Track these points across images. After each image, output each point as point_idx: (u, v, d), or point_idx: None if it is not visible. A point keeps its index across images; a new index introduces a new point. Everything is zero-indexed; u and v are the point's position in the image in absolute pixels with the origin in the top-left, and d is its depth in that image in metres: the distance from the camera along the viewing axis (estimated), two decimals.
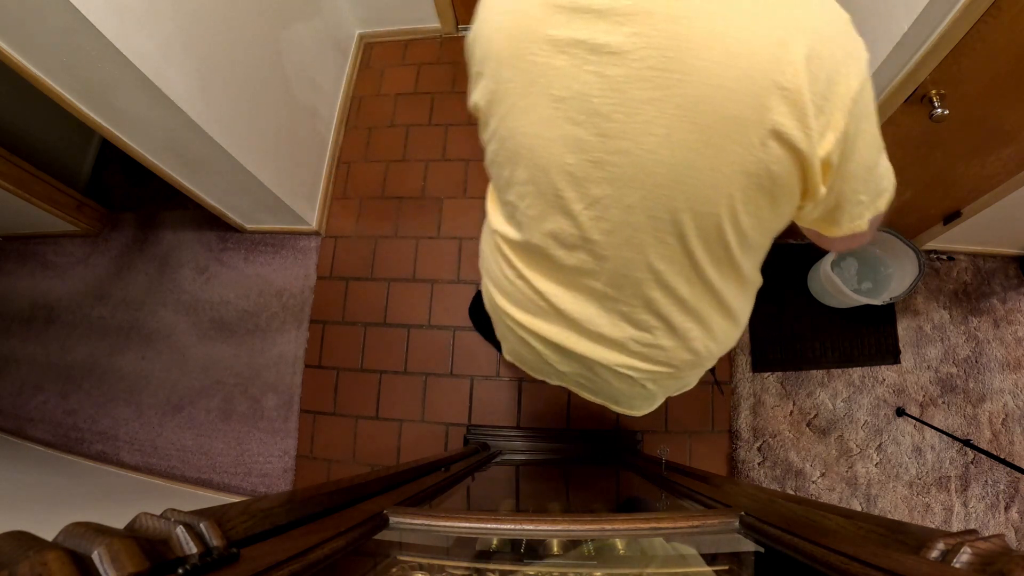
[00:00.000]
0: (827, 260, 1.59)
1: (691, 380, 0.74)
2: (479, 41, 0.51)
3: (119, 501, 1.55)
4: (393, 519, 0.57)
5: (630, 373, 0.64)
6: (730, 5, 0.40)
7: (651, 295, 0.55)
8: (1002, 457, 1.31)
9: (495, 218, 0.62)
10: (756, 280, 0.60)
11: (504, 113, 0.50)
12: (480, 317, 1.11)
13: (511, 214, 0.58)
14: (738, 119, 0.42)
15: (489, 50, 0.49)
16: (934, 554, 0.36)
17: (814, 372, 1.72)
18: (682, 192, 0.46)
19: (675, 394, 0.78)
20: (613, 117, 0.44)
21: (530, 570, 0.55)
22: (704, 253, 0.51)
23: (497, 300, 0.68)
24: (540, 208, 0.53)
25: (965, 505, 1.60)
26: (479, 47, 0.51)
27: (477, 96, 0.54)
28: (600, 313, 0.59)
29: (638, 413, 0.79)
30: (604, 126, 0.45)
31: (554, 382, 0.78)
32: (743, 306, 0.62)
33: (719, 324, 0.60)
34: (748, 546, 0.54)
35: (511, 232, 0.59)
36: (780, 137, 0.42)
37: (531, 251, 0.58)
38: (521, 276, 0.61)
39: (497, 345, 1.22)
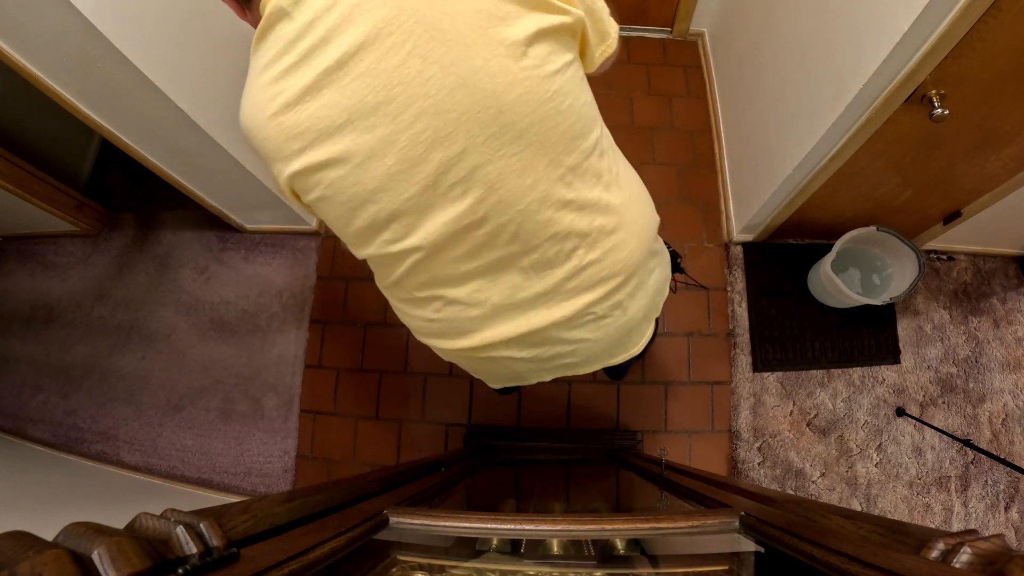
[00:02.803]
0: (827, 260, 1.59)
1: (655, 270, 0.70)
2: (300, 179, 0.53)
3: (119, 501, 1.55)
4: (393, 519, 0.57)
5: (592, 311, 0.62)
6: None
7: (544, 217, 0.54)
8: (1002, 457, 1.31)
9: (383, 280, 0.64)
10: (607, 135, 0.61)
11: (335, 190, 0.53)
12: None
13: (386, 264, 0.60)
14: (477, 12, 0.47)
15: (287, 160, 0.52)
16: (934, 554, 0.36)
17: (814, 372, 1.72)
18: (482, 99, 0.48)
19: (659, 300, 0.73)
20: (389, 95, 0.48)
21: (530, 570, 0.55)
22: (545, 138, 0.51)
23: (446, 345, 0.68)
24: (409, 222, 0.54)
25: (965, 505, 1.60)
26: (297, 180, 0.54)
27: (314, 198, 0.55)
28: (520, 277, 0.58)
29: (638, 348, 0.75)
30: (390, 108, 0.48)
31: (548, 377, 0.76)
32: (615, 165, 0.61)
33: (616, 195, 0.59)
34: (748, 546, 0.54)
35: (396, 275, 0.60)
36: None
37: (431, 267, 0.58)
38: (438, 303, 0.62)
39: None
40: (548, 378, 0.77)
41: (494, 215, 0.53)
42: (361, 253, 0.60)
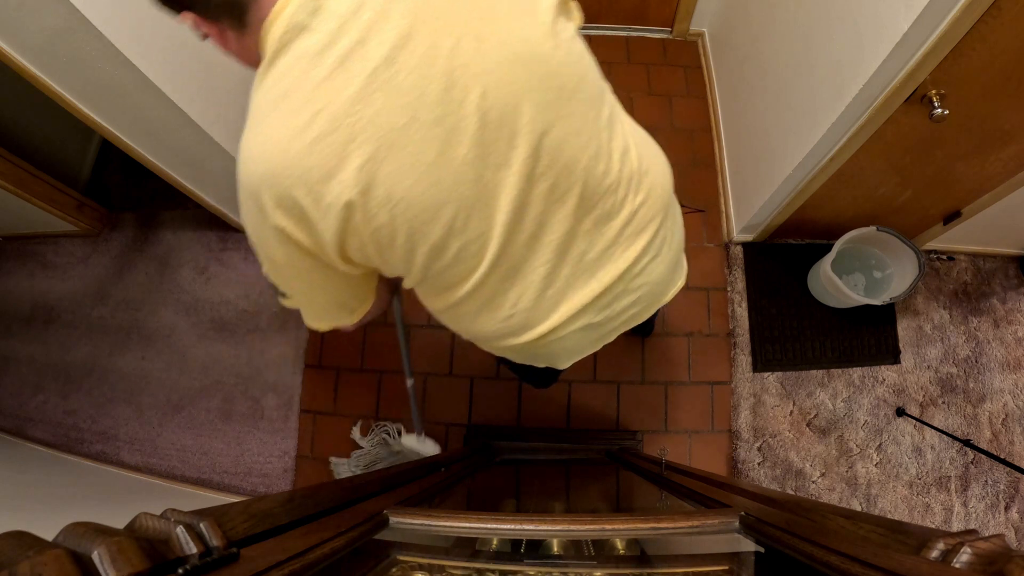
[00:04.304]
0: (827, 260, 1.59)
1: (676, 213, 0.73)
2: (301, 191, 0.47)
3: (119, 501, 1.55)
4: (393, 519, 0.57)
5: (648, 252, 0.63)
6: None
7: (601, 170, 0.55)
8: (1002, 457, 1.31)
9: (452, 294, 0.60)
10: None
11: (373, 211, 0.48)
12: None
13: (459, 274, 0.56)
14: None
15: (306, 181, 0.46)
16: (934, 554, 0.36)
17: (814, 372, 1.72)
18: (536, 68, 0.49)
19: (678, 237, 0.74)
20: (451, 79, 0.46)
21: (530, 570, 0.55)
22: (588, 95, 0.53)
23: (522, 339, 0.65)
24: (485, 213, 0.52)
25: (965, 505, 1.60)
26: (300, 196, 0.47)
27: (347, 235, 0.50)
28: (585, 241, 0.58)
29: (682, 280, 0.77)
30: (454, 93, 0.46)
31: (612, 338, 0.76)
32: (621, 112, 0.63)
33: (633, 136, 0.62)
34: (748, 546, 0.54)
35: (470, 283, 0.57)
36: None
37: (507, 257, 0.56)
38: (514, 296, 0.60)
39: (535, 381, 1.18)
40: (611, 339, 0.76)
41: (562, 180, 0.53)
42: (425, 275, 0.56)
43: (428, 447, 1.28)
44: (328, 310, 0.66)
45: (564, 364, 0.79)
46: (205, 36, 0.55)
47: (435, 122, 0.46)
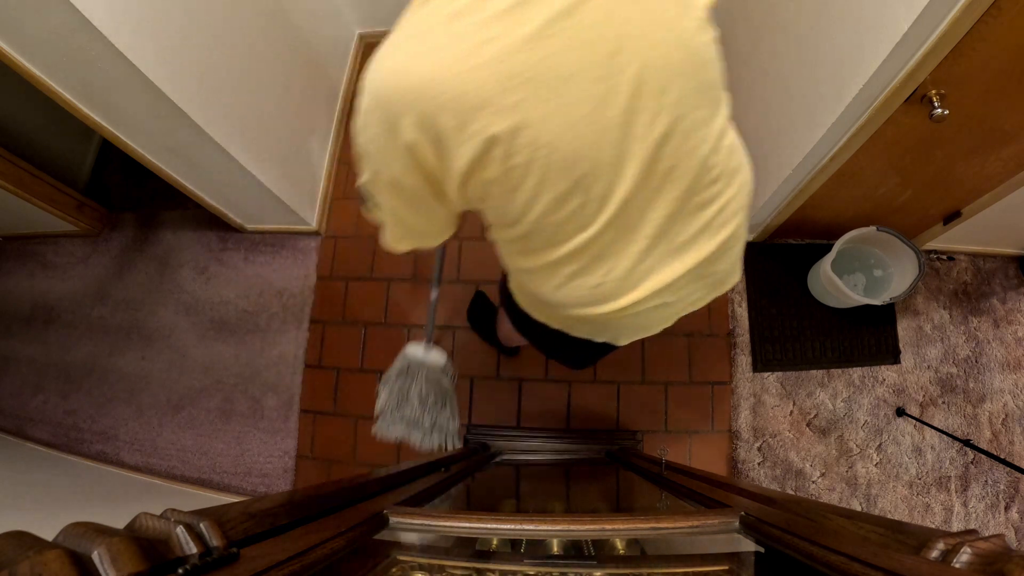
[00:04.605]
0: (827, 260, 1.59)
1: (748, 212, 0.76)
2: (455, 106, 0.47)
3: (119, 501, 1.55)
4: (393, 519, 0.57)
5: (728, 243, 0.65)
6: None
7: (712, 162, 0.58)
8: (1002, 457, 1.31)
9: (549, 254, 0.61)
10: None
11: (530, 144, 0.49)
12: (482, 320, 1.08)
13: (570, 229, 0.57)
14: None
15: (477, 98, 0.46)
16: (934, 554, 0.36)
17: (814, 372, 1.72)
18: (691, 58, 0.52)
19: (745, 236, 0.77)
20: (619, 45, 0.48)
21: (530, 570, 0.55)
22: (721, 94, 0.58)
23: (605, 308, 0.66)
24: (611, 176, 0.53)
25: (965, 505, 1.60)
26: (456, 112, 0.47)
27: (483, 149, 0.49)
28: (682, 223, 0.60)
29: (738, 276, 0.79)
30: (619, 59, 0.48)
31: (672, 321, 0.78)
32: None
33: (736, 135, 0.65)
34: (748, 546, 0.54)
35: (578, 240, 0.58)
36: None
37: (618, 223, 0.57)
38: (608, 266, 0.61)
39: (500, 347, 1.18)
40: (671, 323, 0.79)
41: (681, 163, 0.55)
42: (534, 227, 0.57)
43: (434, 356, 1.28)
44: (414, 234, 0.68)
45: (625, 340, 0.82)
46: None
47: (596, 80, 0.48)
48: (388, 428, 1.31)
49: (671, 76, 0.51)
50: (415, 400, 1.30)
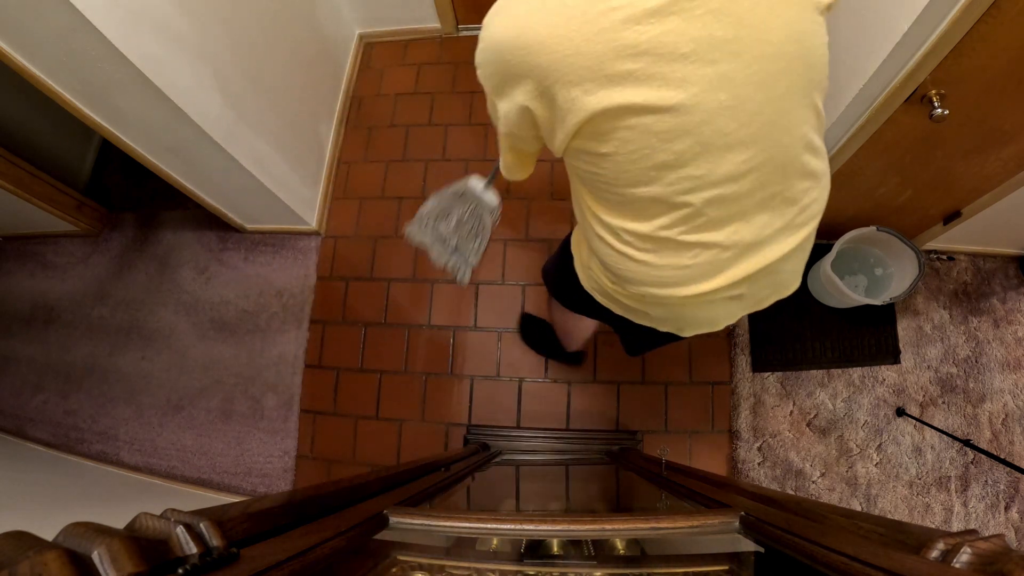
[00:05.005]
0: (827, 260, 1.59)
1: None
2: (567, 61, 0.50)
3: (119, 501, 1.55)
4: (393, 519, 0.57)
5: (803, 244, 0.66)
6: None
7: (803, 160, 0.59)
8: (1002, 457, 1.31)
9: (643, 226, 0.62)
10: None
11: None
12: (539, 335, 1.14)
13: (665, 206, 0.58)
14: None
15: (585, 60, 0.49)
16: (934, 554, 0.36)
17: (814, 372, 1.72)
18: (803, 54, 0.52)
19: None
20: (737, 33, 0.48)
21: (530, 570, 0.55)
22: (822, 95, 0.58)
23: (684, 292, 0.67)
24: (710, 163, 0.54)
25: (965, 505, 1.60)
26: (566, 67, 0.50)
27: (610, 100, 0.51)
28: (768, 216, 0.61)
29: (797, 283, 0.78)
30: (733, 47, 0.49)
31: (737, 317, 0.78)
32: None
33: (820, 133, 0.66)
34: (748, 546, 0.54)
35: (674, 217, 0.59)
36: None
37: (702, 213, 0.58)
38: (698, 248, 0.62)
39: (565, 357, 1.36)
40: (735, 320, 0.79)
41: (779, 156, 0.56)
42: (636, 192, 0.58)
43: (489, 195, 1.29)
44: (518, 166, 0.79)
45: (690, 332, 0.82)
46: None
47: (709, 63, 0.49)
48: (418, 233, 1.32)
49: (783, 70, 0.52)
50: (454, 220, 1.31)
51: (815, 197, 0.64)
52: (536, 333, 1.74)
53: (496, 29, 0.53)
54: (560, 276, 0.98)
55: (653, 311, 0.77)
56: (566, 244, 0.94)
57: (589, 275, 0.83)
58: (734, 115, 0.51)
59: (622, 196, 0.60)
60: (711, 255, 0.62)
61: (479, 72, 0.59)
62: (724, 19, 0.47)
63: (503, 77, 0.55)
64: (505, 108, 0.59)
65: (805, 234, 0.66)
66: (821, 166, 0.63)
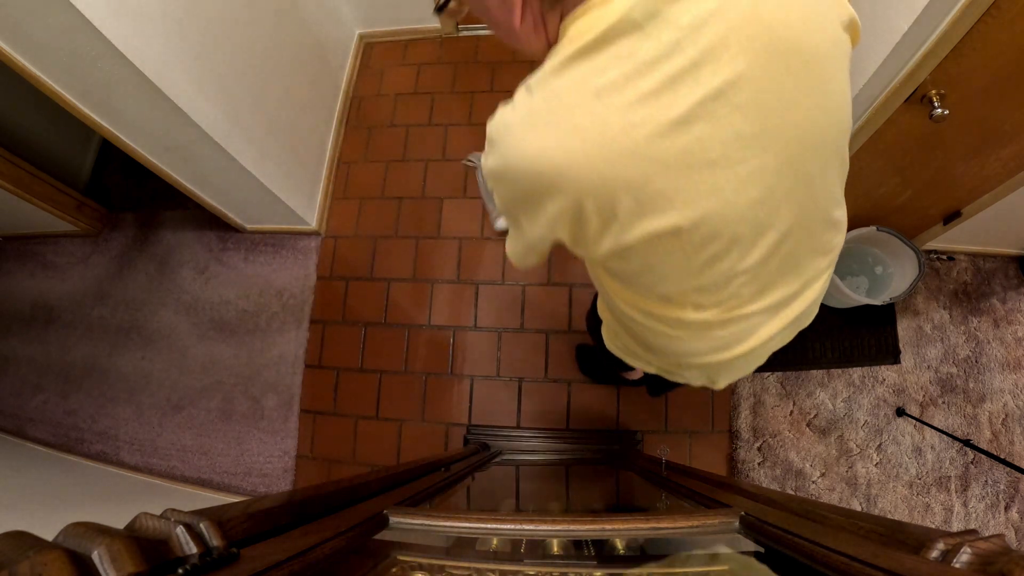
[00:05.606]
0: None
1: None
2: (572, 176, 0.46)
3: (119, 501, 1.55)
4: (393, 519, 0.57)
5: (824, 280, 0.66)
6: None
7: (832, 217, 0.58)
8: (1002, 457, 1.31)
9: (673, 312, 0.61)
10: None
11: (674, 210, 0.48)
12: (598, 365, 1.16)
13: (703, 287, 0.56)
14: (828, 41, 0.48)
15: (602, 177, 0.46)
16: (934, 554, 0.36)
17: (814, 372, 1.72)
18: (834, 125, 0.51)
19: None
20: (765, 125, 0.46)
21: (530, 570, 0.55)
22: (847, 155, 0.56)
23: (722, 356, 0.66)
24: (741, 252, 0.52)
25: (965, 505, 1.60)
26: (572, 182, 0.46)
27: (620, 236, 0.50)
28: (800, 272, 0.60)
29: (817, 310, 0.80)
30: (762, 142, 0.46)
31: (761, 361, 0.77)
32: None
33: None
34: (748, 546, 0.54)
35: (706, 301, 0.58)
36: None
37: (736, 295, 0.57)
38: (732, 322, 0.61)
39: (632, 381, 1.26)
40: (764, 361, 0.77)
41: (805, 223, 0.54)
42: (665, 289, 0.57)
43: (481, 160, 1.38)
44: (531, 256, 0.71)
45: (724, 383, 0.80)
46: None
47: (739, 161, 0.46)
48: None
49: (813, 148, 0.50)
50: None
51: (839, 242, 0.63)
52: (594, 362, 1.69)
53: (507, 150, 0.48)
54: (597, 335, 0.97)
55: (687, 372, 0.76)
56: (595, 307, 0.92)
57: (618, 344, 0.82)
58: (764, 205, 0.49)
59: (650, 289, 0.58)
60: (745, 324, 0.61)
61: (491, 183, 0.55)
62: (751, 114, 0.45)
63: (522, 201, 0.52)
64: (528, 227, 0.55)
65: (829, 273, 0.65)
66: (844, 214, 0.62)
